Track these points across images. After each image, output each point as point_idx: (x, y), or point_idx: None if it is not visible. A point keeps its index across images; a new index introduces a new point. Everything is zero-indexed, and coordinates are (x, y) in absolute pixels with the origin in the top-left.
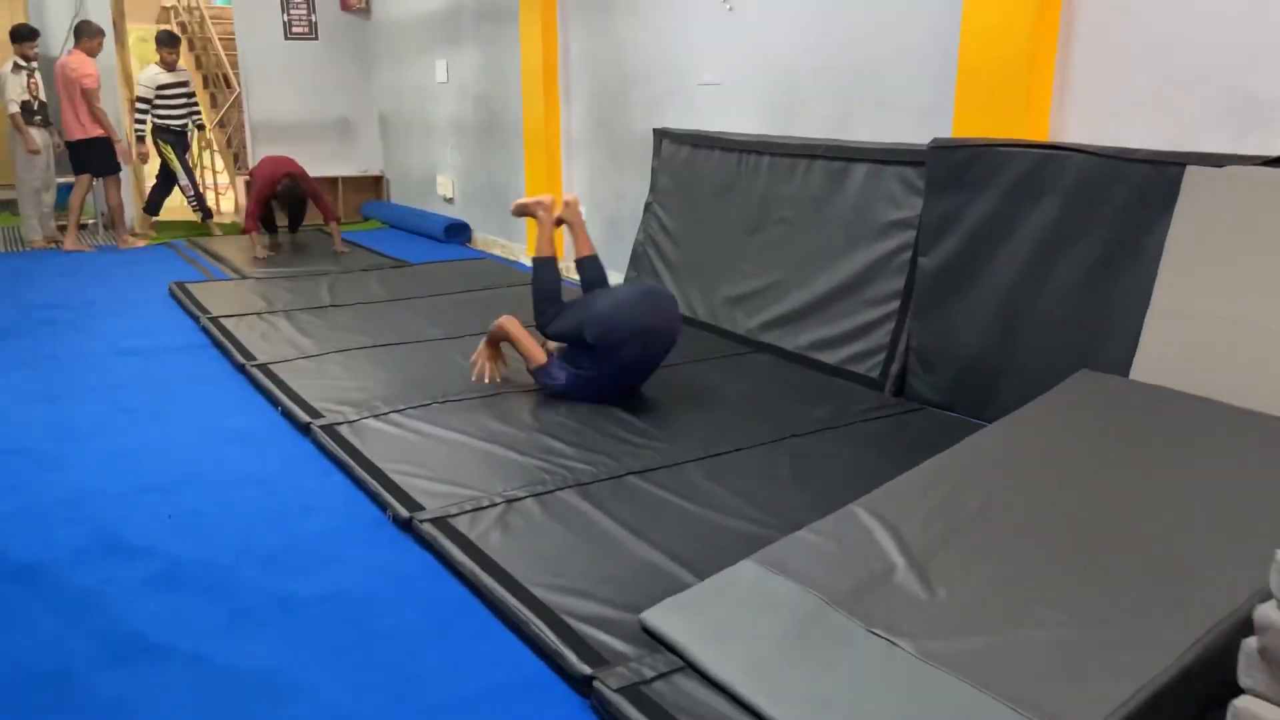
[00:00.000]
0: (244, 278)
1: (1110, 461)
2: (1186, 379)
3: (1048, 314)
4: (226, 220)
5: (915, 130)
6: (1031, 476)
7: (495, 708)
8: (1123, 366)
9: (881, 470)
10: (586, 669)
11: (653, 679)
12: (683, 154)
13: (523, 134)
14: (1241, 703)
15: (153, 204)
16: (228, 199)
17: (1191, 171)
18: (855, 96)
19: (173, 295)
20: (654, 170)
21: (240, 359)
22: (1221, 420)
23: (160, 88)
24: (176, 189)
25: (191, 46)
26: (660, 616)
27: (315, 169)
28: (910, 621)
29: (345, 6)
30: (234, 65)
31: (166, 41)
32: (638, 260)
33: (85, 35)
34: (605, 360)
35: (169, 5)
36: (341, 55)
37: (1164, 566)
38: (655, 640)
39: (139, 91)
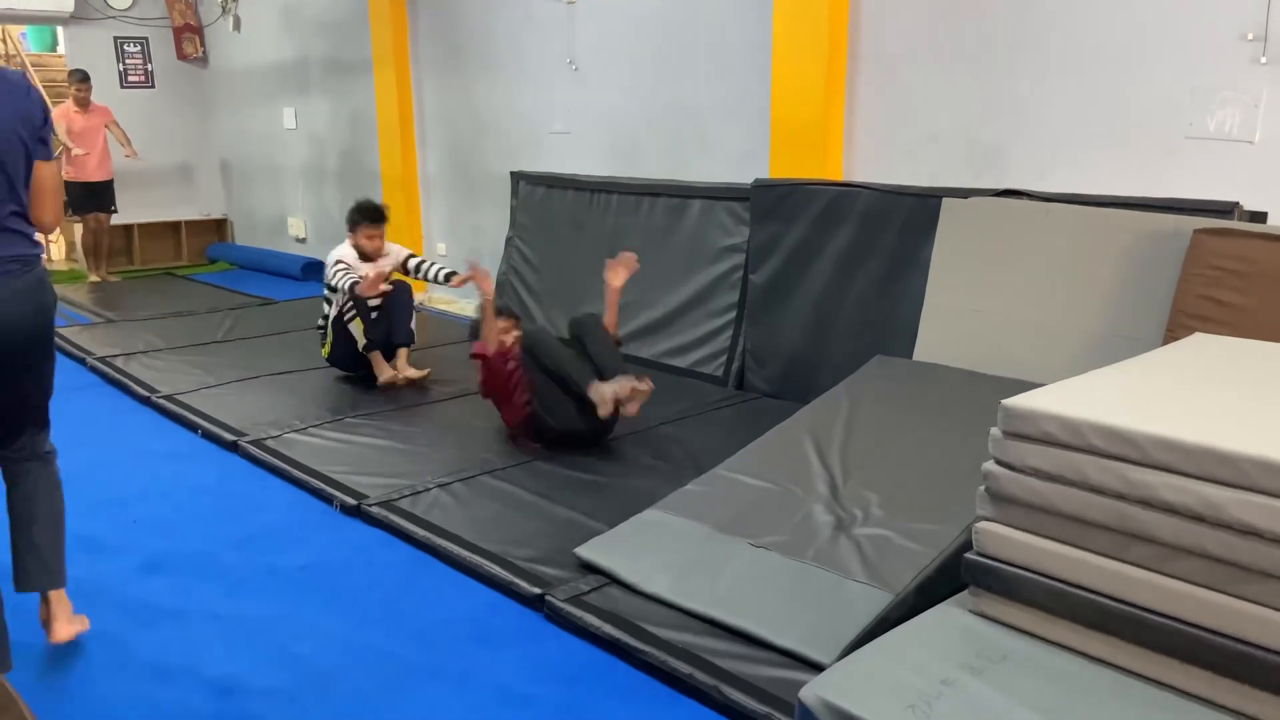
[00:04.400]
0: (110, 321)
1: (900, 418)
2: (953, 357)
3: (850, 314)
4: (61, 268)
5: (737, 172)
6: (842, 435)
7: (470, 625)
8: (908, 351)
9: (732, 444)
10: (538, 590)
11: (588, 592)
12: (539, 194)
13: (380, 177)
14: (981, 525)
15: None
16: (58, 246)
17: (946, 202)
18: (685, 143)
19: None
20: (513, 209)
21: (143, 392)
22: (978, 385)
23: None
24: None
25: None
26: (590, 550)
27: (156, 214)
28: (772, 536)
29: (181, 56)
30: None
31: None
32: (502, 289)
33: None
34: None
35: None
36: (179, 103)
37: (947, 485)
38: (586, 568)
39: None
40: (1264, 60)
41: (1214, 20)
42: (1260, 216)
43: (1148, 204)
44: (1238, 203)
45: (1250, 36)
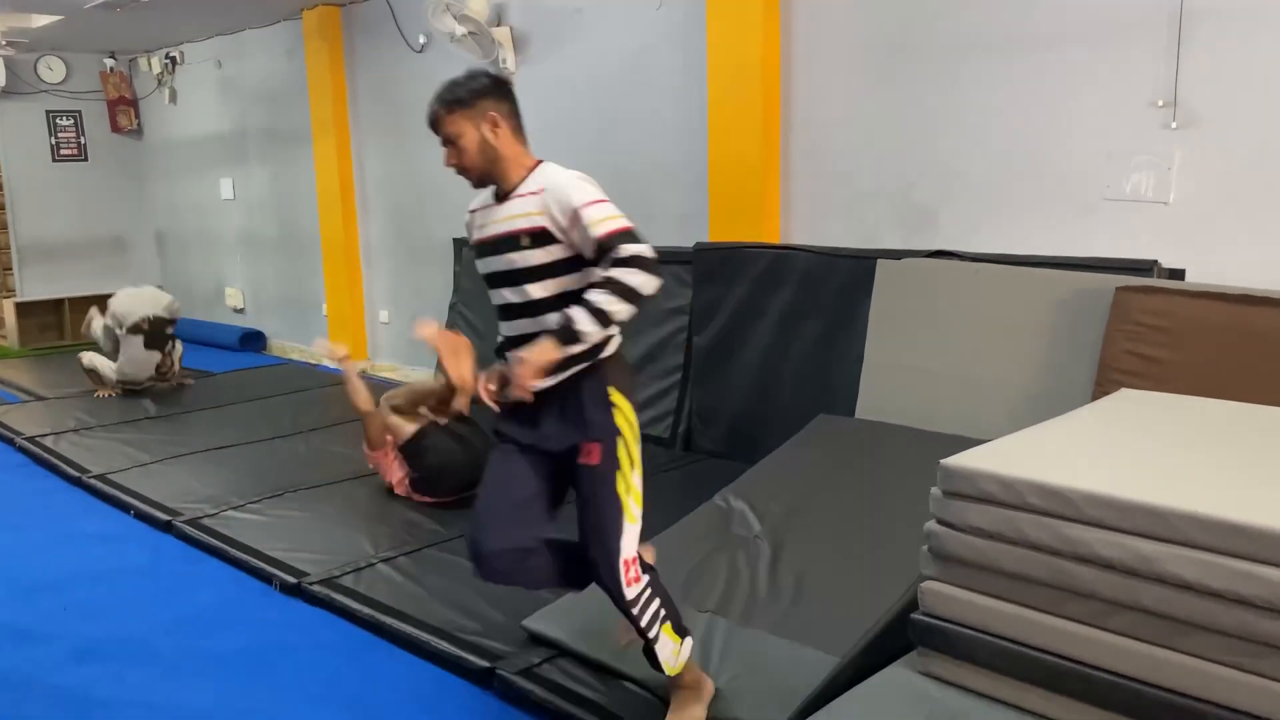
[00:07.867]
0: (40, 399)
1: (844, 478)
2: (894, 414)
3: (794, 373)
4: None
5: (678, 235)
6: (788, 496)
7: (417, 705)
8: (850, 408)
9: (680, 507)
10: (486, 664)
11: (539, 664)
12: None
13: (321, 245)
14: (926, 585)
15: None
16: None
17: (881, 263)
18: (626, 208)
19: None
20: (456, 274)
21: (74, 473)
22: (919, 442)
23: None
24: None
25: None
26: (539, 620)
27: (88, 287)
28: (719, 601)
29: (116, 128)
30: None
31: None
32: None
33: None
34: None
35: None
36: (113, 175)
37: (892, 543)
38: (535, 640)
39: None
40: (1174, 125)
41: (1126, 88)
42: (1178, 274)
43: (1072, 263)
44: (1156, 260)
45: (1160, 103)
